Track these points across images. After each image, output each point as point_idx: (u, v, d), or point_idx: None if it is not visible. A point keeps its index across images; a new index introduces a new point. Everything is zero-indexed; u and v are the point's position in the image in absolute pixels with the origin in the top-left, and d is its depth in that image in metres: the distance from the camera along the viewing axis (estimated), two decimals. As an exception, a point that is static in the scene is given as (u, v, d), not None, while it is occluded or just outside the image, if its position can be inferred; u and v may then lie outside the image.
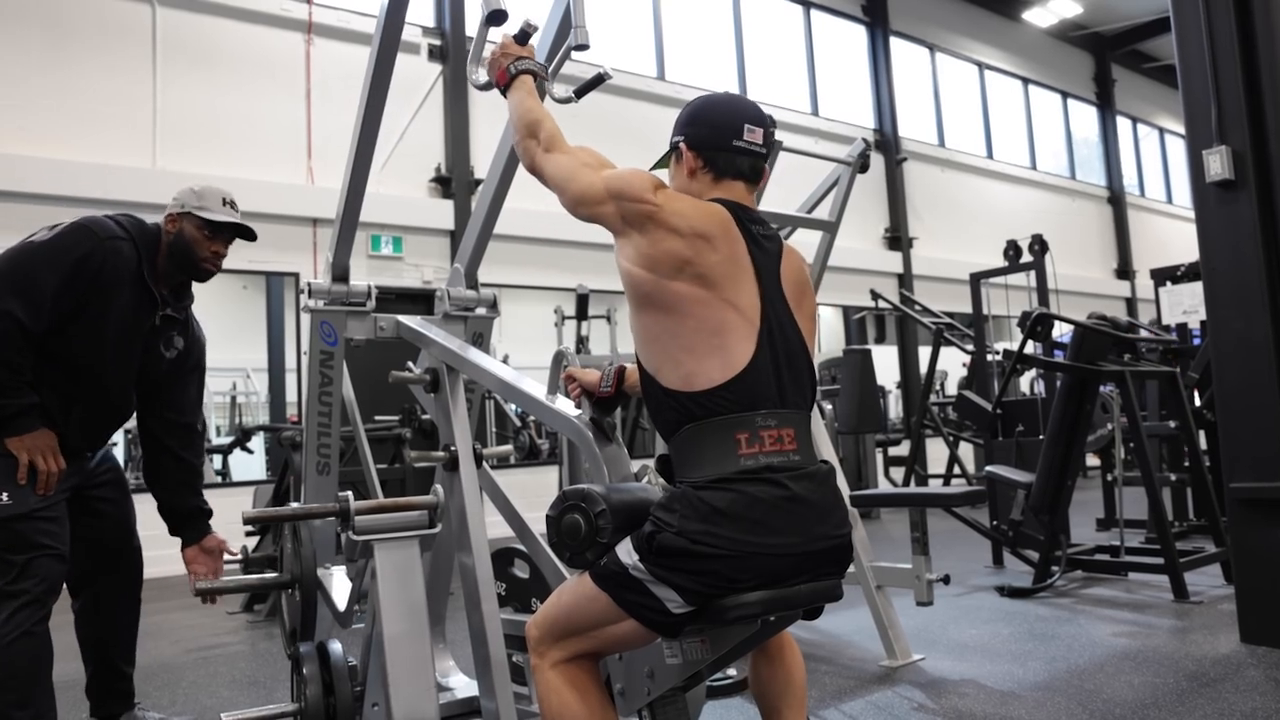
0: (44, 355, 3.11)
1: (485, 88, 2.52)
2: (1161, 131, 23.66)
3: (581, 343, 9.15)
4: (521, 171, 2.56)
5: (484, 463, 2.89)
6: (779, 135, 5.00)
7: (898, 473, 11.89)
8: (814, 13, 16.01)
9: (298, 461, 5.16)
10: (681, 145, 2.24)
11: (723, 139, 2.19)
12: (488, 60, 2.47)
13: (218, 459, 11.48)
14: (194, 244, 3.34)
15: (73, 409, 3.20)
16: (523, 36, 2.45)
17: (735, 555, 1.86)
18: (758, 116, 2.23)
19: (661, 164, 2.35)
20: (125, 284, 3.20)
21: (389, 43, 2.88)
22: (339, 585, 3.27)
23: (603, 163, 2.24)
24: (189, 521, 3.54)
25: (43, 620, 3.01)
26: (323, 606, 3.31)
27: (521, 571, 3.04)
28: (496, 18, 2.42)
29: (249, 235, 3.47)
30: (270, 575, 3.37)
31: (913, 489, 8.78)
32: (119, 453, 3.77)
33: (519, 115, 2.34)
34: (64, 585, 3.20)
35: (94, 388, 3.24)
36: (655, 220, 2.03)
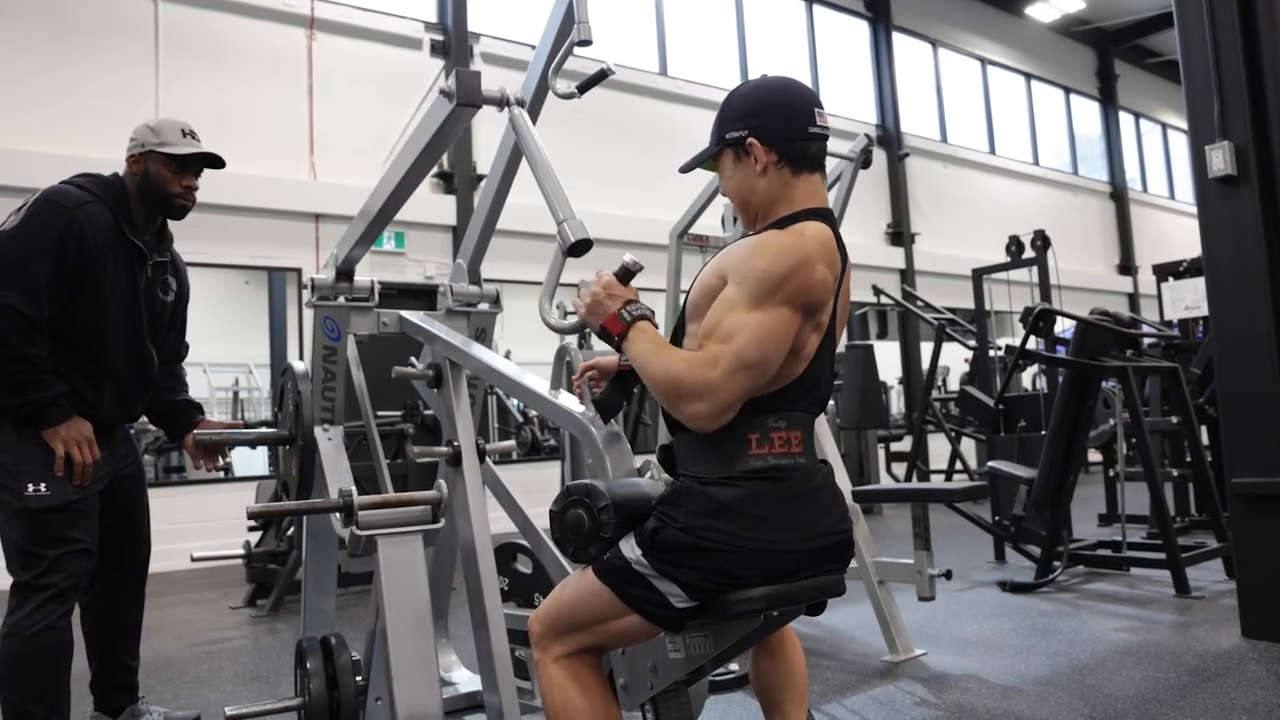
0: (58, 339, 3.09)
1: (570, 330, 2.19)
2: (1164, 127, 23.63)
3: (584, 338, 9.15)
4: (523, 169, 2.55)
5: (487, 458, 2.90)
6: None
7: (900, 468, 11.89)
8: (816, 8, 15.99)
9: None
10: (751, 141, 2.04)
11: (799, 127, 2.04)
12: (578, 301, 2.13)
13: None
14: (162, 182, 3.26)
15: (104, 384, 3.20)
16: (625, 275, 2.11)
17: (738, 551, 1.87)
18: (815, 97, 2.10)
19: (702, 162, 2.20)
20: (110, 246, 3.16)
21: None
22: (334, 454, 3.15)
23: (747, 322, 1.88)
24: (181, 413, 3.57)
25: (65, 615, 3.02)
26: (316, 602, 3.29)
27: (524, 567, 3.05)
28: (578, 250, 2.15)
29: (217, 163, 3.38)
30: (269, 430, 3.30)
31: (915, 484, 8.79)
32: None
33: (651, 377, 1.95)
34: (89, 579, 3.20)
35: (115, 358, 3.22)
36: (830, 293, 1.98)
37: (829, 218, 2.06)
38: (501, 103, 2.47)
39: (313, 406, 3.06)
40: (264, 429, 3.39)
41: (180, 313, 3.61)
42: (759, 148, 2.04)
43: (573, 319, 2.15)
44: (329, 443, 3.05)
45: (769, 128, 2.04)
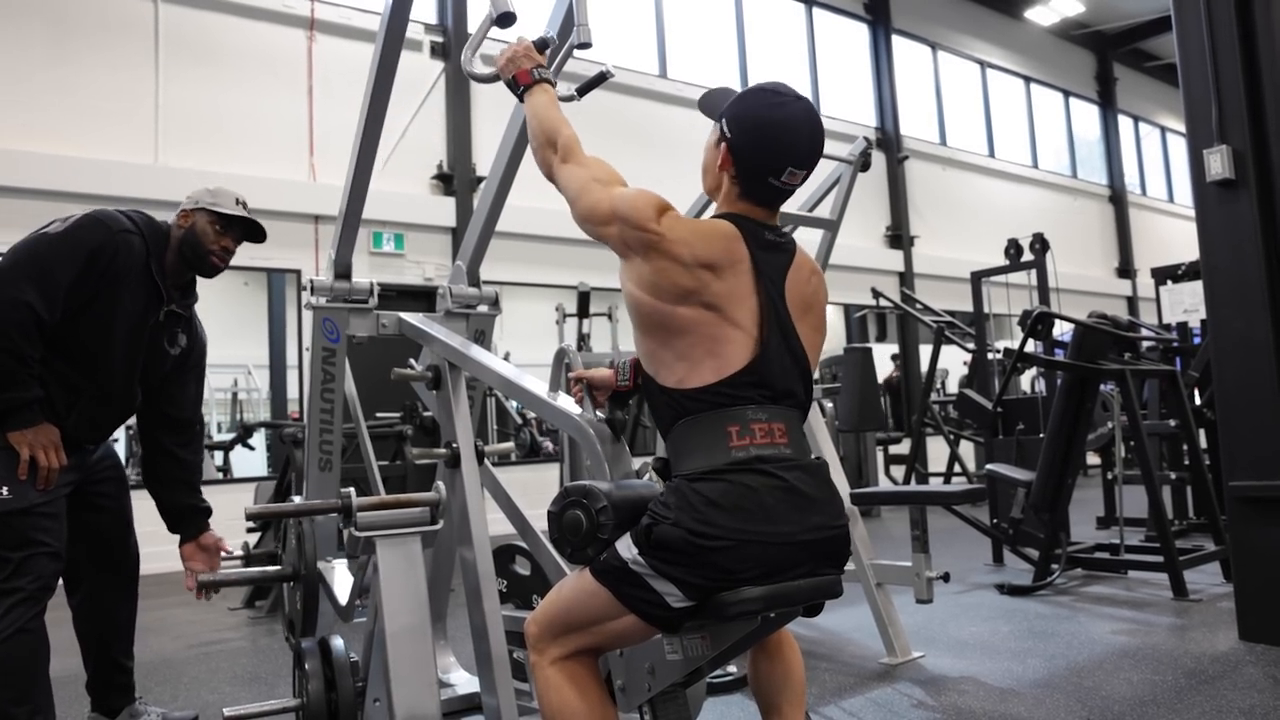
0: (51, 346, 3.11)
1: (487, 79, 2.49)
2: (1163, 130, 23.64)
3: (583, 340, 9.16)
4: (523, 169, 2.57)
5: (485, 460, 2.90)
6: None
7: (898, 471, 11.89)
8: (816, 10, 16.00)
9: (299, 458, 5.17)
10: (724, 144, 2.14)
11: (762, 169, 2.11)
12: (500, 57, 2.41)
13: (219, 455, 11.49)
14: (203, 238, 3.38)
15: (77, 401, 3.21)
16: (542, 45, 2.43)
17: (732, 545, 1.87)
18: (807, 156, 2.13)
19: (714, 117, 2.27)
20: (133, 278, 3.23)
21: (393, 41, 2.88)
22: (340, 579, 3.28)
23: (613, 178, 2.19)
24: (186, 519, 3.56)
25: (37, 617, 3.01)
26: (324, 601, 3.33)
27: (522, 568, 3.05)
28: (505, 20, 2.40)
29: (258, 236, 3.50)
30: (272, 569, 3.37)
31: (913, 487, 8.79)
32: (120, 449, 3.76)
33: (539, 122, 2.30)
34: (60, 581, 3.20)
35: (99, 380, 3.25)
36: (658, 249, 2.01)
37: (750, 220, 2.13)
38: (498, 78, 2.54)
39: (313, 543, 3.10)
40: (269, 567, 3.44)
41: (190, 374, 3.61)
42: (726, 153, 2.15)
43: (490, 70, 2.46)
44: (332, 572, 3.11)
45: (741, 147, 2.12)
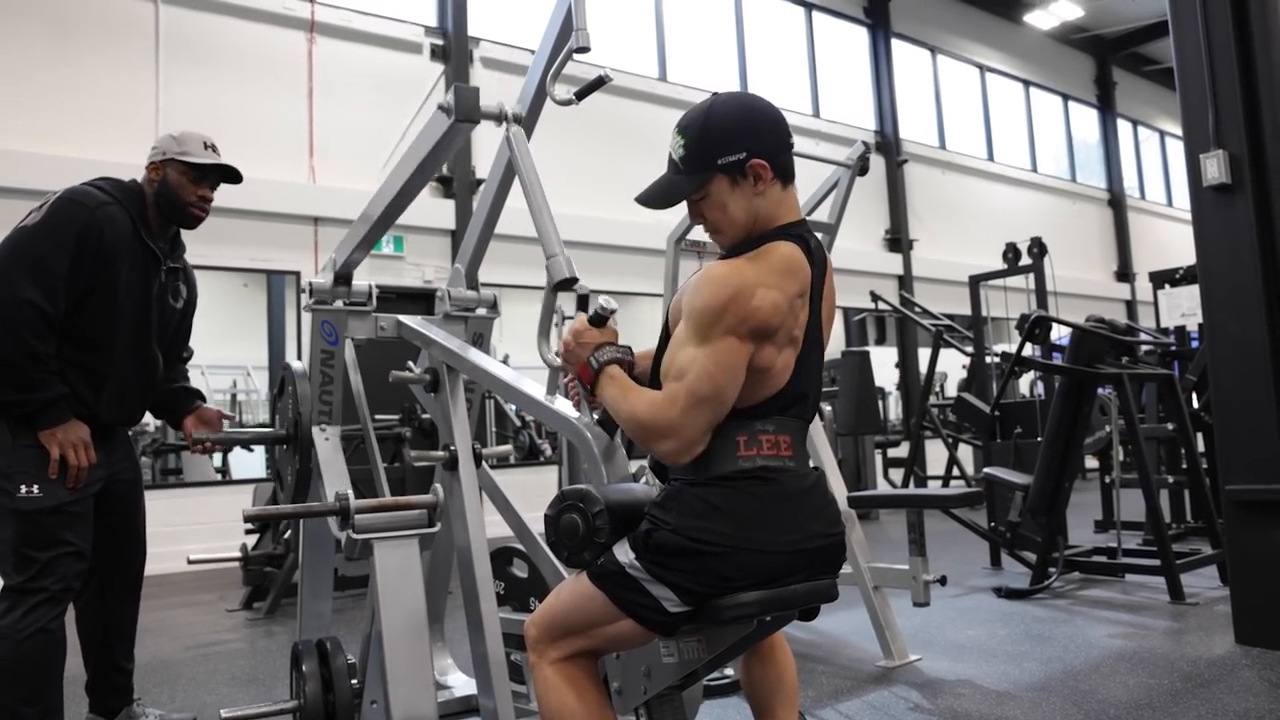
0: (64, 337, 3.10)
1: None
2: (1162, 134, 23.66)
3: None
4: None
5: (483, 462, 2.91)
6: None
7: (897, 474, 11.90)
8: (816, 14, 16.01)
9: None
10: (756, 163, 2.00)
11: (785, 139, 2.07)
12: (563, 345, 2.18)
13: (218, 457, 11.49)
14: (179, 189, 3.33)
15: (103, 386, 3.20)
16: (598, 320, 2.16)
17: (730, 552, 1.88)
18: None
19: (676, 200, 2.10)
20: (126, 248, 3.20)
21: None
22: (331, 451, 3.15)
23: (693, 353, 1.92)
24: (180, 400, 3.59)
25: (58, 618, 3.02)
26: (318, 602, 3.31)
27: (520, 571, 3.06)
28: (566, 286, 2.28)
29: (234, 177, 3.44)
30: (267, 430, 3.31)
31: (911, 490, 8.79)
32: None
33: (627, 422, 2.00)
34: (82, 582, 3.20)
35: (119, 359, 3.24)
36: (783, 316, 1.94)
37: (799, 229, 2.05)
38: (499, 118, 2.50)
39: (310, 406, 3.07)
40: (261, 429, 3.40)
41: (187, 320, 3.64)
42: (765, 167, 2.01)
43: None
44: (326, 443, 3.06)
45: (766, 145, 2.03)
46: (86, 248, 3.09)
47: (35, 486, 3.00)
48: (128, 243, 3.21)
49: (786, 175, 2.07)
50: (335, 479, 2.90)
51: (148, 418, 3.65)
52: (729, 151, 2.00)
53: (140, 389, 3.38)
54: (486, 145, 11.16)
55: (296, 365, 3.13)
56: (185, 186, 3.34)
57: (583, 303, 2.27)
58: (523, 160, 2.46)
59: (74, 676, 3.66)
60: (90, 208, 3.13)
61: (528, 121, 2.68)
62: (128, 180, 3.35)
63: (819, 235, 2.18)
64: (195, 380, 3.81)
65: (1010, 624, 5.08)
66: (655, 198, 2.11)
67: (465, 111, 2.42)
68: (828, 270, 2.12)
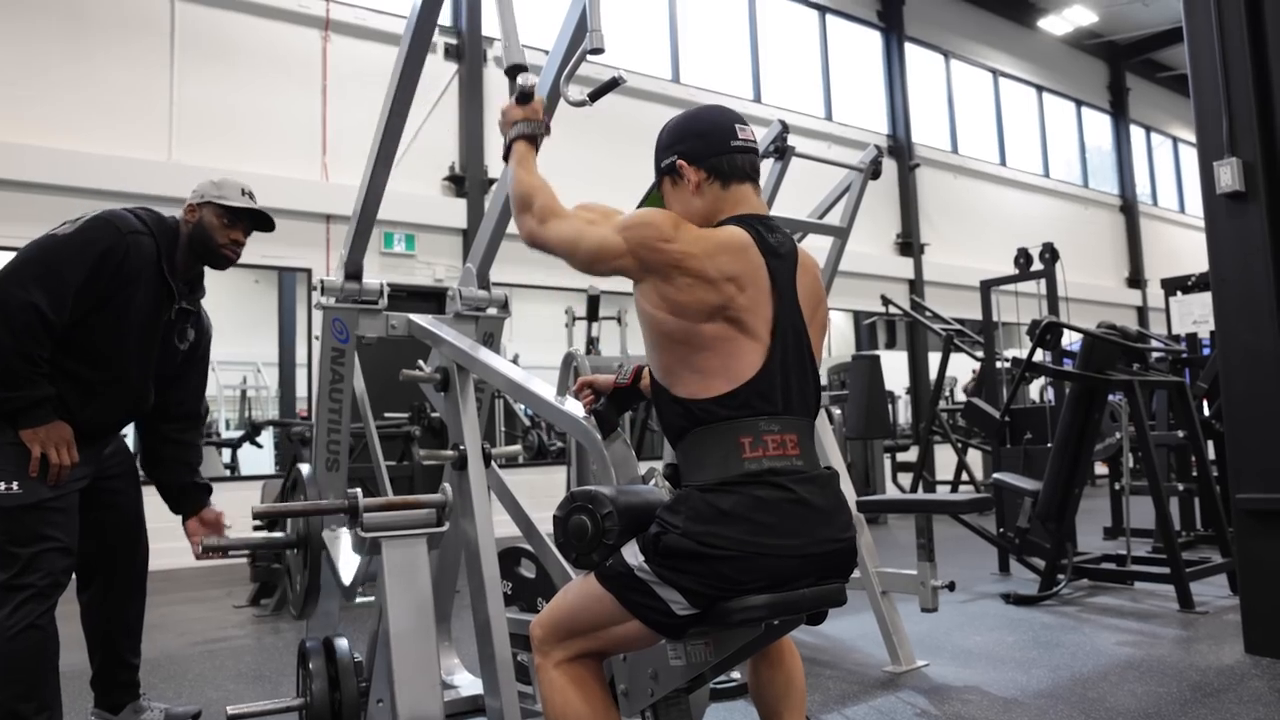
0: (65, 347, 3.14)
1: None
2: (1175, 141, 23.59)
3: (592, 344, 9.16)
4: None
5: (492, 462, 2.91)
6: (792, 140, 5.04)
7: (906, 479, 11.87)
8: (829, 17, 16.01)
9: (307, 457, 5.18)
10: (679, 163, 2.18)
11: (720, 142, 2.17)
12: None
13: (226, 453, 11.53)
14: (213, 231, 3.39)
15: (91, 400, 3.23)
16: (523, 97, 2.38)
17: (740, 556, 1.88)
18: (740, 117, 2.22)
19: (650, 199, 2.30)
20: (145, 277, 3.25)
21: (419, 42, 2.87)
22: (345, 552, 3.21)
23: (607, 214, 2.16)
24: (188, 496, 3.60)
25: (47, 613, 3.02)
26: (325, 601, 3.32)
27: (528, 571, 3.06)
28: (513, 72, 2.37)
29: (267, 225, 3.51)
30: (277, 534, 3.34)
31: (920, 495, 8.78)
32: (128, 442, 3.77)
33: (511, 189, 2.29)
34: (71, 577, 3.22)
35: (113, 379, 3.27)
36: (682, 267, 1.99)
37: (753, 221, 2.13)
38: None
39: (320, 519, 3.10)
40: (271, 534, 3.43)
41: (195, 366, 3.67)
42: (689, 169, 2.17)
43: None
44: (335, 540, 3.10)
45: (693, 148, 2.18)
46: (105, 268, 3.14)
47: (15, 483, 3.03)
48: (147, 273, 3.27)
49: (723, 175, 2.17)
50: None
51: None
52: (665, 156, 2.23)
53: (124, 411, 3.42)
54: (499, 145, 11.14)
55: (305, 469, 3.15)
56: (219, 229, 3.41)
57: (524, 96, 2.39)
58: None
59: (80, 671, 3.68)
60: (122, 232, 3.20)
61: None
62: (167, 216, 3.43)
63: (829, 237, 2.20)
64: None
65: (1018, 630, 5.06)
66: (640, 200, 2.34)
67: None
68: (803, 267, 2.16)
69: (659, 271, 2.02)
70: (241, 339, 13.08)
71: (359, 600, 3.02)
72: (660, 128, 2.28)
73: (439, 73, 11.23)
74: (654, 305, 2.03)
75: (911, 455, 12.08)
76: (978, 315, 9.82)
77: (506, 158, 2.37)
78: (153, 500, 3.60)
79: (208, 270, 3.57)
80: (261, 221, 3.50)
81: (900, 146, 16.38)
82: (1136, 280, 20.98)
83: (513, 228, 3.12)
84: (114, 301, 3.18)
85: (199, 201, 3.41)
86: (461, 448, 2.66)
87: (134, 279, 3.21)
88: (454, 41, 11.47)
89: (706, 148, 2.17)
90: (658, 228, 2.03)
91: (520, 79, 2.36)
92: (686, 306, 1.99)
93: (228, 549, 3.30)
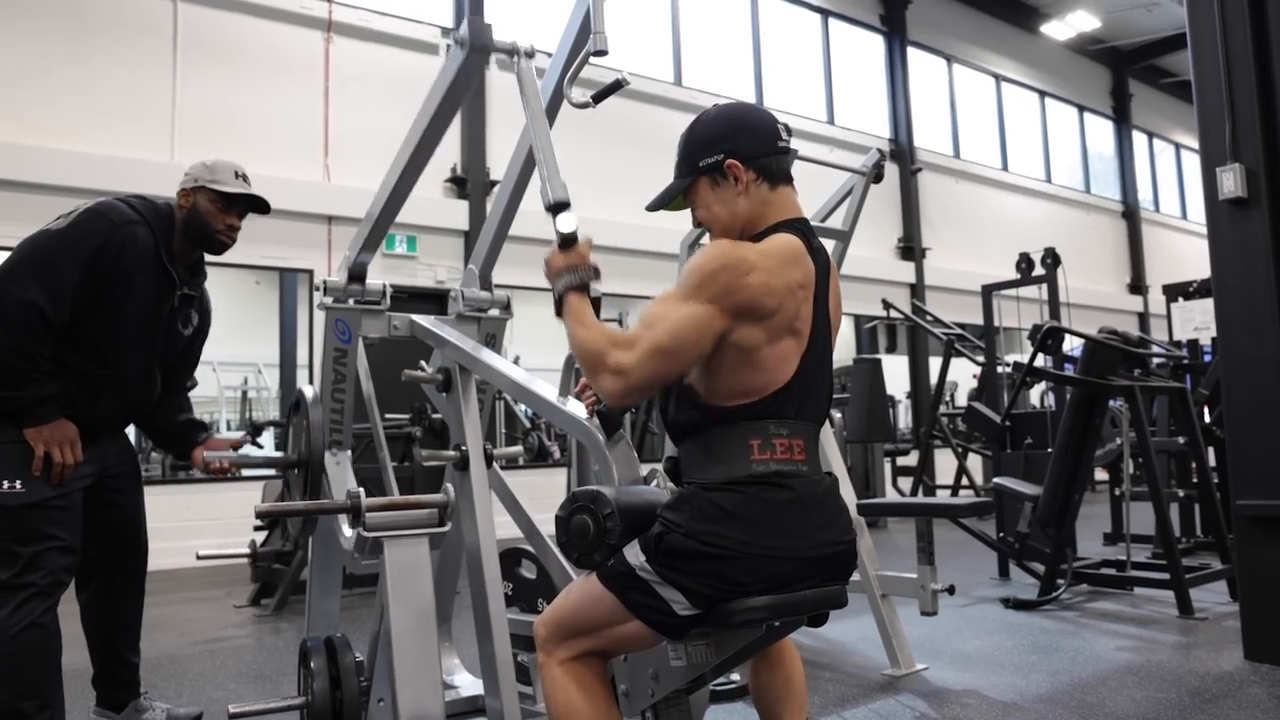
0: (67, 343, 3.12)
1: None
2: (1177, 147, 23.60)
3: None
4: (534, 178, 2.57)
5: (494, 463, 2.91)
6: (794, 143, 5.04)
7: (906, 482, 11.87)
8: (832, 21, 16.02)
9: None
10: (730, 162, 2.09)
11: (770, 142, 2.12)
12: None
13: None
14: (208, 217, 3.36)
15: (97, 396, 3.23)
16: (566, 242, 2.16)
17: (741, 557, 1.88)
18: (774, 115, 2.20)
19: (674, 198, 2.21)
20: (144, 268, 3.23)
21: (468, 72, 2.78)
22: (348, 482, 3.18)
23: (654, 314, 1.98)
24: (188, 431, 3.62)
25: (49, 611, 3.02)
26: (326, 600, 3.32)
27: (529, 572, 3.06)
28: (555, 209, 2.21)
29: (262, 207, 3.47)
30: (278, 455, 3.33)
31: (920, 499, 8.78)
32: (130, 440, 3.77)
33: (576, 350, 2.05)
34: (73, 575, 3.21)
35: (117, 374, 3.26)
36: (770, 294, 1.95)
37: (801, 226, 2.10)
38: (512, 52, 2.52)
39: (323, 433, 3.08)
40: (273, 453, 3.42)
41: (196, 348, 3.67)
42: (739, 167, 2.10)
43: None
44: (336, 467, 3.08)
45: (746, 146, 2.11)
46: (102, 262, 3.12)
47: (18, 482, 3.02)
48: (146, 264, 3.24)
49: (772, 176, 2.12)
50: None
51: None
52: (708, 154, 2.12)
53: (131, 406, 3.43)
54: (501, 147, 11.19)
55: (308, 391, 3.14)
56: (214, 214, 3.37)
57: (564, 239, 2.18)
58: (531, 98, 2.48)
59: (81, 670, 3.68)
60: (116, 224, 3.17)
61: (546, 118, 2.69)
62: (160, 202, 3.39)
63: (830, 241, 2.21)
64: (206, 377, 3.83)
65: (1017, 635, 5.06)
66: (655, 202, 2.24)
67: (479, 39, 2.46)
68: (831, 272, 2.15)
69: (750, 314, 1.95)
70: (243, 340, 13.08)
71: (359, 592, 3.02)
72: (658, 129, 2.27)
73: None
74: (743, 338, 1.96)
75: (912, 459, 12.08)
76: (979, 320, 9.83)
77: (559, 313, 2.12)
78: (153, 500, 3.61)
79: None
80: (257, 204, 3.47)
81: (902, 150, 16.38)
82: (1138, 286, 20.98)
83: (515, 229, 3.15)
84: (113, 295, 3.16)
85: (193, 186, 3.37)
86: (463, 448, 2.67)
87: (133, 271, 3.19)
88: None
89: (759, 146, 2.11)
90: (732, 267, 1.94)
91: (558, 221, 2.17)
92: (777, 328, 1.98)
93: (235, 465, 3.33)
